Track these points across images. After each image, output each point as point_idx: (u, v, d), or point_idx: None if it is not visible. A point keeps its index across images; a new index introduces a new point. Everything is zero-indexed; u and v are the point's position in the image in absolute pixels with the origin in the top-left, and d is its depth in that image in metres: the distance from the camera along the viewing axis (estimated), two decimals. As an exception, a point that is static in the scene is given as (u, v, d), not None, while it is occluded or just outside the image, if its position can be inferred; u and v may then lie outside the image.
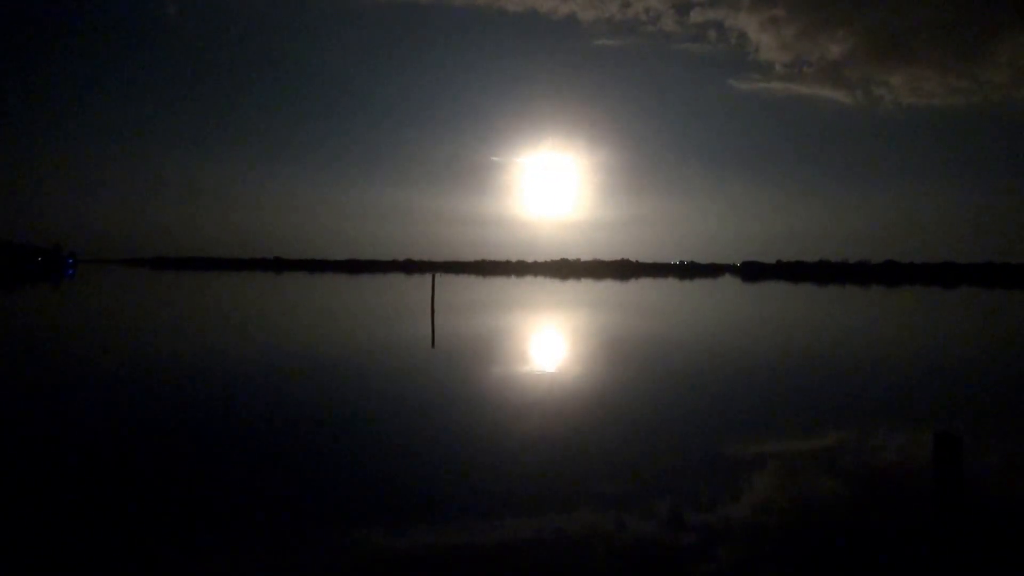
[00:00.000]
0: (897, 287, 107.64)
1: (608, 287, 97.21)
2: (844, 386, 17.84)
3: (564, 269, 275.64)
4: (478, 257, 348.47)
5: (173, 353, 22.86)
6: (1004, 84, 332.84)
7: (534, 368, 21.01)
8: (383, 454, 10.94)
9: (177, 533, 7.67)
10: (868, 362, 22.63)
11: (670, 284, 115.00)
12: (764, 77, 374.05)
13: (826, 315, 47.89)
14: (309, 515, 8.25)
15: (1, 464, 10.13)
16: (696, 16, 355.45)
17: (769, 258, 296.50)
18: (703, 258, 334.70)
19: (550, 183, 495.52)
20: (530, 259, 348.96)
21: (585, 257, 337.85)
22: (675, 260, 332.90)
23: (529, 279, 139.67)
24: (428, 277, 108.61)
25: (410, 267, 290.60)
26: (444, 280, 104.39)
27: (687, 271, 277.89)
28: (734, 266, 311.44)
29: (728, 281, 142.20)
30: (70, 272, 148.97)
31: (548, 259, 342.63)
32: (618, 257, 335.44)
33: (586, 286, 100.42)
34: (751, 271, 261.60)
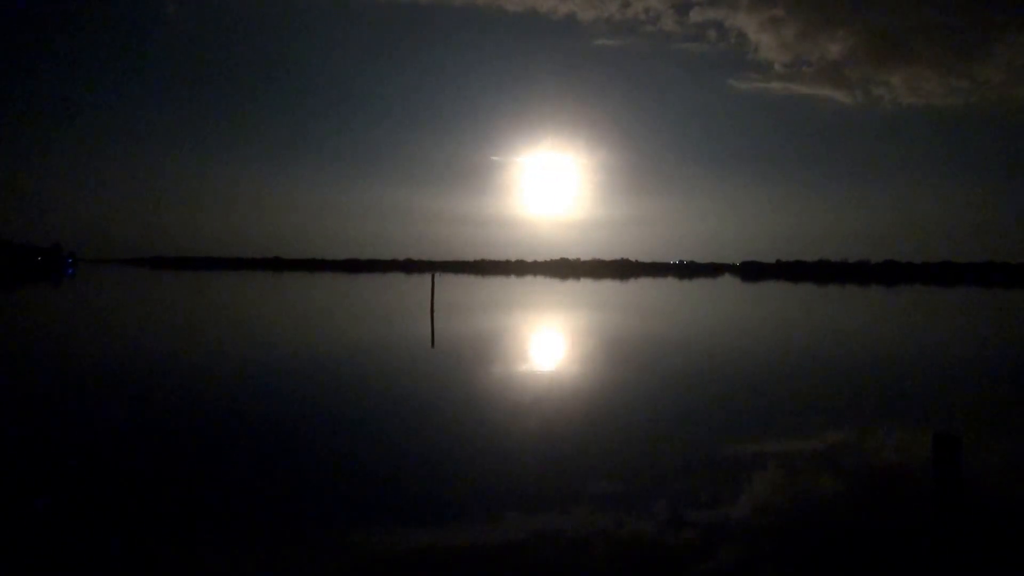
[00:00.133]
0: (896, 287, 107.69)
1: (608, 287, 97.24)
2: (844, 386, 17.85)
3: (564, 269, 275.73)
4: (478, 257, 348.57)
5: (173, 353, 22.86)
6: (1003, 84, 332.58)
7: (534, 368, 21.02)
8: (383, 454, 10.94)
9: (177, 533, 7.67)
10: (868, 362, 22.64)
11: (669, 284, 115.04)
12: (763, 77, 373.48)
13: (826, 315, 47.91)
14: (308, 515, 8.25)
15: (1, 464, 10.14)
16: (695, 16, 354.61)
17: (769, 258, 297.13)
18: (702, 258, 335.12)
19: (550, 183, 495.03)
20: (530, 259, 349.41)
21: (584, 257, 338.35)
22: (674, 260, 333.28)
23: (529, 279, 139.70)
24: (428, 277, 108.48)
25: (410, 267, 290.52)
26: (444, 280, 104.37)
27: (687, 271, 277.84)
28: (734, 266, 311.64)
29: (728, 281, 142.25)
30: (70, 272, 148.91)
31: (548, 259, 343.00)
32: (617, 257, 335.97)
33: (585, 286, 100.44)
34: (751, 271, 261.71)
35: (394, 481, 9.58)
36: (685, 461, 10.81)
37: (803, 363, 22.63)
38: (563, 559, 7.20)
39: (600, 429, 12.76)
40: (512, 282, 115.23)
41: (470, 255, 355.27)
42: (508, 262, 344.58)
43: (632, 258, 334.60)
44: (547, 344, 28.03)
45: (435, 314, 40.07)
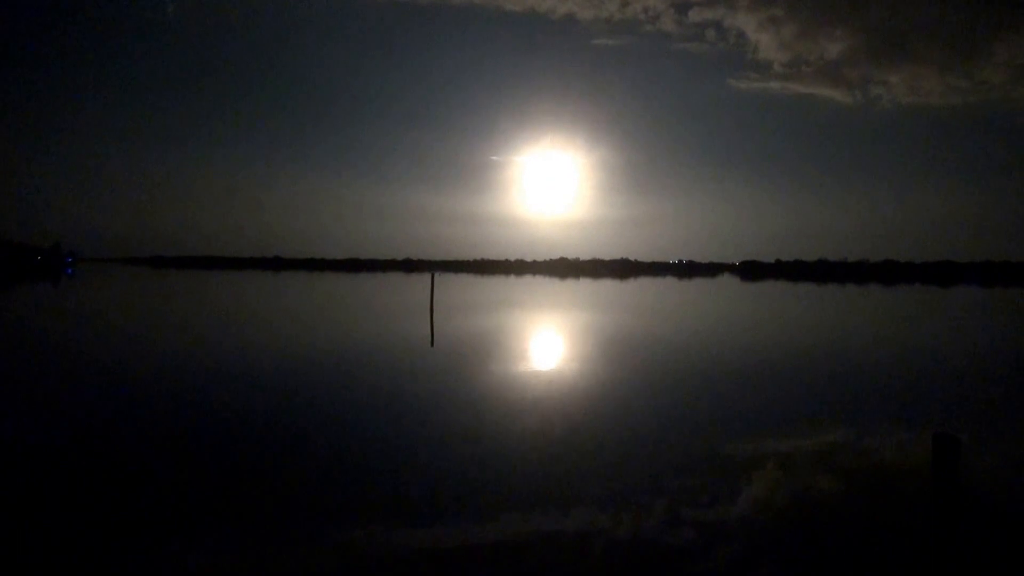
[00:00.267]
0: (896, 286, 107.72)
1: (607, 286, 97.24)
2: (843, 386, 17.86)
3: (563, 268, 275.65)
4: (477, 256, 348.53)
5: (172, 352, 22.86)
6: (1002, 84, 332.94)
7: (533, 367, 21.01)
8: (382, 453, 10.94)
9: (176, 532, 7.67)
10: (867, 362, 22.65)
11: (669, 283, 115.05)
12: (763, 76, 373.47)
13: (825, 314, 47.92)
14: (308, 514, 8.26)
15: (1, 463, 10.14)
16: (695, 15, 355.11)
17: (768, 257, 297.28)
18: (702, 257, 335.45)
19: (549, 182, 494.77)
20: (529, 258, 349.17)
21: (584, 256, 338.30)
22: (674, 259, 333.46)
23: (528, 278, 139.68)
24: (427, 276, 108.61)
25: (409, 266, 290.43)
26: (443, 279, 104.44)
27: (686, 270, 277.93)
28: (733, 265, 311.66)
29: (727, 280, 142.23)
30: (69, 271, 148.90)
31: (547, 258, 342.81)
32: (617, 256, 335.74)
33: (585, 285, 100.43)
34: (750, 270, 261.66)
35: (393, 481, 9.58)
36: (684, 461, 10.82)
37: (802, 363, 22.63)
38: (563, 559, 7.20)
39: (600, 429, 12.76)
40: (511, 281, 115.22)
41: (470, 254, 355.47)
42: (508, 261, 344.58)
43: (631, 258, 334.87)
44: (546, 344, 28.03)
45: (435, 313, 40.08)
